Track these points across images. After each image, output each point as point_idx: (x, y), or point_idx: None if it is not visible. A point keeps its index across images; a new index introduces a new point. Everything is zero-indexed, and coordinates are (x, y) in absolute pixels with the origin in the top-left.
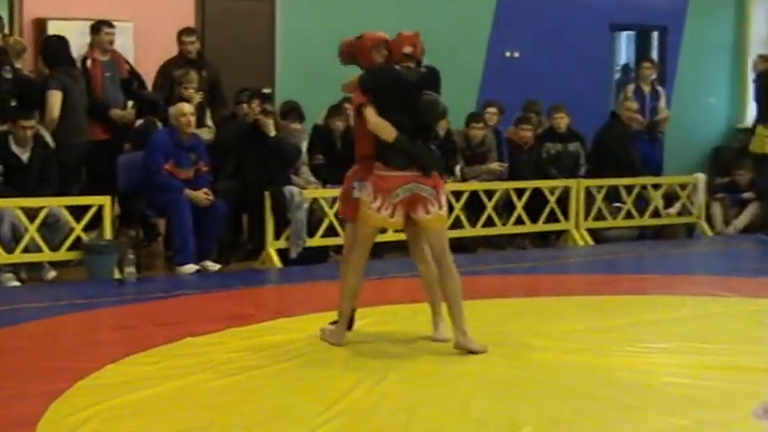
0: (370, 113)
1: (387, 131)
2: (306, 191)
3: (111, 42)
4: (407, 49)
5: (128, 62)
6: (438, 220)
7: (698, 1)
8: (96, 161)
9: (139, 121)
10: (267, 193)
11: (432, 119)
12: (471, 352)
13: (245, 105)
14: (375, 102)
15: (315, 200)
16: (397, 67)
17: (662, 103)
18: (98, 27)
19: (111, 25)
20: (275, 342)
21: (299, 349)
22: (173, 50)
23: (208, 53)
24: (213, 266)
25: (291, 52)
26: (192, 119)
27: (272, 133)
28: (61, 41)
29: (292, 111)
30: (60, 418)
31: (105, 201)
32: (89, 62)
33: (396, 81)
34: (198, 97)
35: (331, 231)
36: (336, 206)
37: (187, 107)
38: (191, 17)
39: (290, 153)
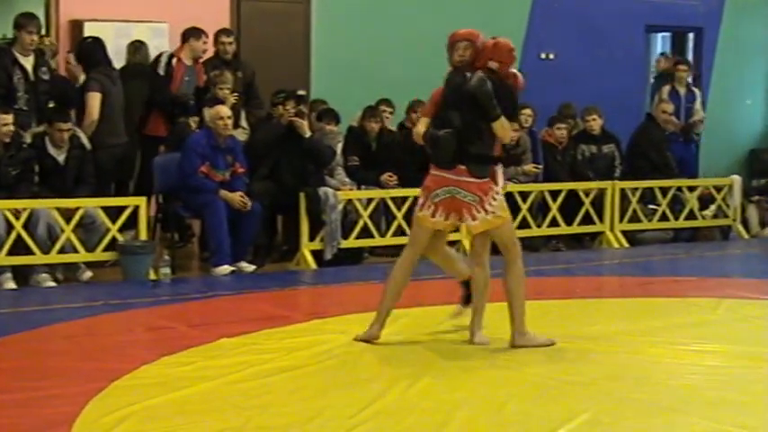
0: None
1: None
2: (340, 192)
3: (205, 51)
4: (493, 65)
5: (206, 73)
6: (487, 225)
7: (734, 2)
8: (154, 156)
9: None
10: (302, 195)
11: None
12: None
13: (280, 107)
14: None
15: (349, 201)
16: (477, 73)
17: (697, 104)
18: (197, 33)
19: (206, 35)
20: (310, 343)
21: (333, 350)
22: (209, 51)
23: (243, 54)
24: (248, 267)
25: (327, 53)
26: (230, 122)
27: (307, 134)
28: (97, 43)
29: (328, 112)
30: (96, 418)
31: (141, 201)
32: (174, 60)
33: (454, 86)
34: (233, 98)
35: (365, 233)
36: (371, 207)
37: (224, 110)
38: (226, 18)
39: (325, 154)
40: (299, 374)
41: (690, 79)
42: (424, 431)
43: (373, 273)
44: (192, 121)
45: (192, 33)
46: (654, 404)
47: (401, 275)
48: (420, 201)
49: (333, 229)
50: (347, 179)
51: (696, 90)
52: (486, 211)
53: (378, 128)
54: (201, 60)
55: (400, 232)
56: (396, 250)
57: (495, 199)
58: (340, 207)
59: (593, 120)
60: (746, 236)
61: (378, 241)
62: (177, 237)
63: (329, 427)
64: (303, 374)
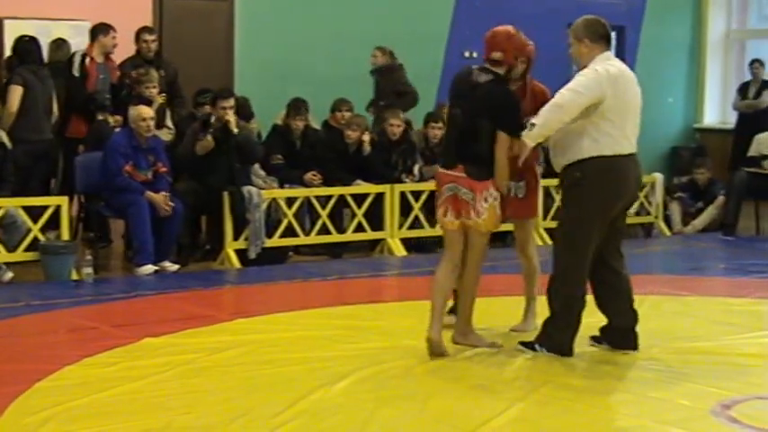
0: None
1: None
2: (264, 191)
3: (115, 46)
4: (496, 55)
5: (119, 69)
6: (479, 226)
7: (655, 1)
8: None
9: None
10: (225, 194)
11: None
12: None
13: (207, 107)
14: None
15: (273, 200)
16: (477, 66)
17: None
18: (106, 29)
19: (114, 29)
20: (234, 343)
21: (257, 350)
22: (130, 49)
23: (165, 52)
24: (171, 267)
25: (250, 51)
26: (152, 123)
27: (236, 131)
28: (33, 42)
29: (245, 111)
30: (18, 419)
31: (63, 201)
32: (87, 60)
33: (461, 77)
34: (160, 99)
35: (290, 232)
36: (296, 206)
37: (147, 111)
38: (148, 16)
39: (256, 150)
40: (223, 374)
41: None
42: (348, 430)
43: (297, 272)
44: (112, 119)
45: (100, 30)
46: (577, 401)
47: (442, 278)
48: (437, 203)
49: (257, 228)
50: (263, 173)
51: None
52: (476, 212)
53: (302, 126)
54: (122, 59)
55: (325, 231)
56: (320, 249)
57: (486, 200)
58: (264, 206)
59: None
60: (669, 233)
61: (302, 240)
62: (100, 236)
63: (253, 427)
64: (227, 374)
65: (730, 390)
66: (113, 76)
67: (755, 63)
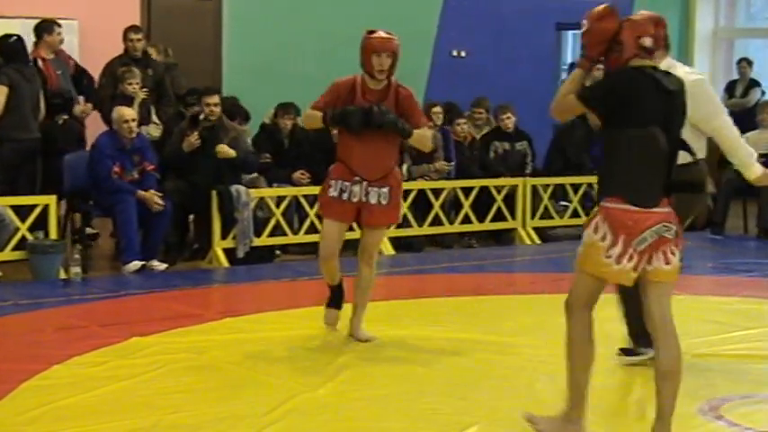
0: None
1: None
2: (252, 190)
3: (62, 41)
4: (647, 42)
5: (71, 57)
6: (673, 274)
7: (643, 0)
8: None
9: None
10: (214, 193)
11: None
12: None
13: (196, 107)
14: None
15: (261, 199)
16: (641, 67)
17: None
18: (50, 27)
19: (59, 24)
20: (222, 342)
21: (246, 349)
22: (119, 48)
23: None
24: (159, 266)
25: (238, 51)
26: (134, 124)
27: (233, 154)
28: (19, 41)
29: (239, 111)
30: (6, 419)
31: (51, 200)
32: (40, 62)
33: (644, 83)
34: (142, 94)
35: (278, 230)
36: (284, 205)
37: (128, 113)
38: (136, 15)
39: (252, 164)
40: (212, 373)
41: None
42: (336, 429)
43: (285, 271)
44: (59, 119)
45: (45, 29)
46: (562, 398)
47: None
48: (612, 248)
49: (245, 227)
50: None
51: None
52: (678, 251)
53: (291, 125)
54: (110, 58)
55: (313, 230)
56: (308, 248)
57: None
58: (252, 205)
59: (508, 118)
60: None
61: (290, 239)
62: (88, 235)
63: (241, 426)
64: (215, 373)
65: (718, 388)
66: (69, 65)
67: (743, 62)
